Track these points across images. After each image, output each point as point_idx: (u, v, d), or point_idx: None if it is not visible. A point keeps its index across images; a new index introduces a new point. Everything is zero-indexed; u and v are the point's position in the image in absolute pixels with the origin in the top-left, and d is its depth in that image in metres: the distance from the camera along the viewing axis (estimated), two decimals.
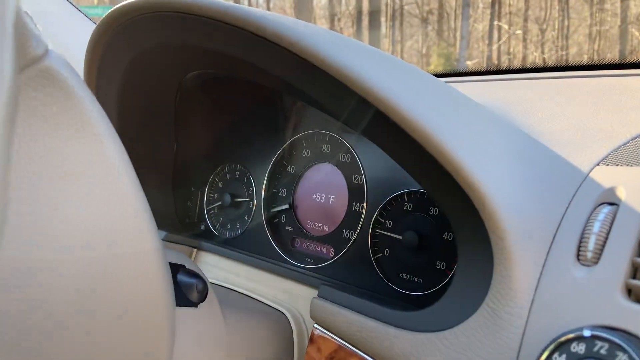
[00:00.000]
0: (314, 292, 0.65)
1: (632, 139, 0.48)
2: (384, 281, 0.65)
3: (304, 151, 0.79)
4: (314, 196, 0.77)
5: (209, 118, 0.84)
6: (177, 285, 0.52)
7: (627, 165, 0.43)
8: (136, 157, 0.80)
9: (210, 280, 0.74)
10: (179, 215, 0.91)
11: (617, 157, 0.45)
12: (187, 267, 0.55)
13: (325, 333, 0.53)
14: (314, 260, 0.74)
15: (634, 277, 0.37)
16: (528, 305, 0.38)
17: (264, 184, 0.82)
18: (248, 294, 0.69)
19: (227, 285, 0.73)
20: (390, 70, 0.48)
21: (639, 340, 0.34)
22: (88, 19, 1.24)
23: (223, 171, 0.90)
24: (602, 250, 0.38)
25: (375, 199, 0.69)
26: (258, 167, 0.84)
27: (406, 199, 0.66)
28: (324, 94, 0.47)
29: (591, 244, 0.39)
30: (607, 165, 0.44)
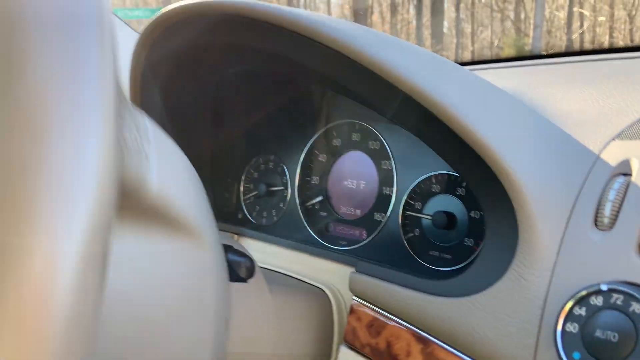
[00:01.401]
0: (349, 269, 0.70)
1: None
2: (415, 259, 0.70)
3: (334, 140, 0.84)
4: (346, 182, 0.82)
5: (244, 111, 0.89)
6: (228, 263, 0.58)
7: None
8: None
9: None
10: (217, 205, 0.97)
11: (631, 131, 0.49)
12: (234, 247, 0.60)
13: (365, 303, 0.58)
14: (347, 243, 0.79)
15: None
16: (551, 267, 0.43)
17: (298, 173, 0.87)
18: (288, 274, 0.74)
19: (268, 266, 0.78)
20: (428, 66, 0.52)
21: None
22: (122, 21, 1.31)
23: (257, 162, 0.96)
24: (617, 216, 0.42)
25: (404, 183, 0.73)
26: (291, 157, 0.89)
27: (434, 181, 0.70)
28: (371, 91, 0.52)
29: (607, 210, 0.43)
30: (622, 139, 0.48)
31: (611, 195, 0.43)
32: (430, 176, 0.70)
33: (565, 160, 0.48)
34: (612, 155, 0.47)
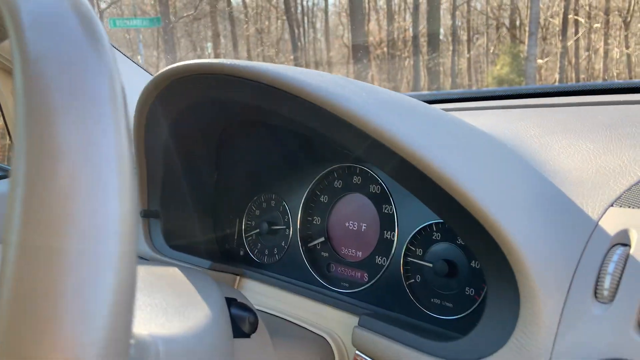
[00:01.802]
0: (352, 318, 0.71)
1: None
2: (417, 305, 0.71)
3: (335, 182, 0.85)
4: (347, 224, 0.83)
5: (247, 152, 0.90)
6: (231, 317, 0.58)
7: (638, 207, 0.48)
8: (180, 190, 0.87)
9: (255, 306, 0.81)
10: (218, 242, 0.98)
11: (629, 197, 0.50)
12: (238, 300, 0.61)
13: (367, 359, 0.59)
14: (349, 285, 0.80)
15: None
16: (552, 340, 0.43)
17: (299, 213, 0.88)
18: (291, 320, 0.75)
19: (270, 311, 0.79)
20: (421, 124, 0.53)
21: None
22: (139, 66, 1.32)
23: (259, 200, 0.97)
24: (617, 289, 0.43)
25: (406, 228, 0.74)
26: (293, 196, 0.90)
27: (435, 229, 0.71)
28: (361, 148, 0.53)
29: (607, 283, 0.43)
30: (620, 206, 0.49)
31: (611, 267, 0.44)
32: (431, 223, 0.71)
33: (565, 227, 0.49)
34: (611, 224, 0.47)
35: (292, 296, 0.79)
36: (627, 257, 0.44)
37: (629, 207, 0.49)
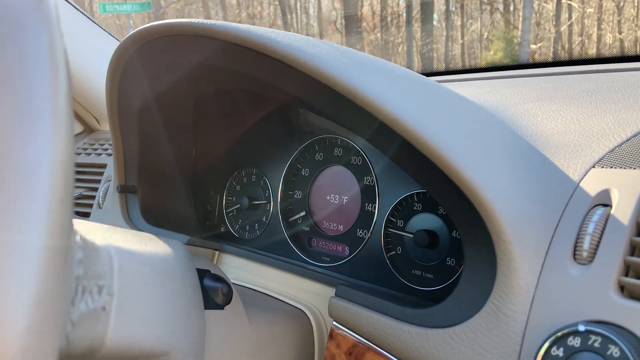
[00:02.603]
0: (331, 290, 0.69)
1: (627, 140, 0.51)
2: (397, 277, 0.69)
3: (316, 154, 0.83)
4: (328, 197, 0.81)
5: (225, 125, 0.87)
6: (204, 289, 0.56)
7: (621, 167, 0.46)
8: (158, 165, 0.85)
9: (233, 281, 0.79)
10: (199, 218, 0.96)
11: (611, 158, 0.48)
12: (212, 272, 0.59)
13: (344, 330, 0.57)
14: (330, 259, 0.78)
15: (626, 274, 0.40)
16: (529, 302, 0.42)
17: (280, 187, 0.86)
18: (269, 294, 0.73)
19: (249, 285, 0.77)
20: (397, 85, 0.51)
21: (630, 334, 0.37)
22: (102, 29, 1.29)
23: (240, 175, 0.94)
24: (596, 249, 0.41)
25: (387, 199, 0.72)
26: (274, 170, 0.88)
27: (416, 199, 0.69)
28: (340, 112, 0.51)
29: (586, 243, 0.42)
30: (602, 167, 0.47)
31: (590, 228, 0.42)
32: (412, 194, 0.69)
33: (545, 189, 0.47)
34: (592, 185, 0.46)
35: (272, 270, 0.77)
36: (607, 217, 0.42)
37: (611, 167, 0.47)
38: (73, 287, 0.29)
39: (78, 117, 1.21)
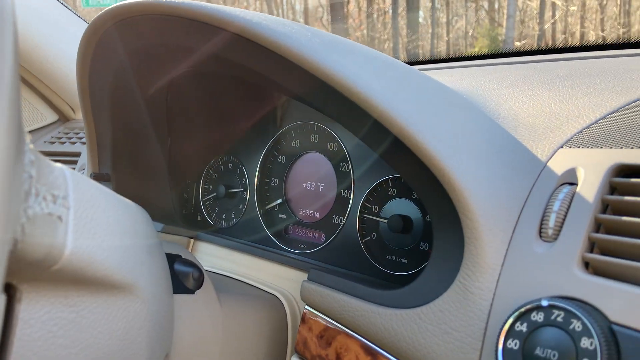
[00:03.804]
0: (306, 276, 0.69)
1: (596, 121, 0.51)
2: (372, 263, 0.69)
3: (293, 141, 0.82)
4: (305, 184, 0.80)
5: (200, 112, 0.86)
6: (174, 274, 0.56)
7: (588, 147, 0.46)
8: (132, 153, 0.84)
9: (208, 268, 0.78)
10: (175, 208, 0.94)
11: (579, 139, 0.48)
12: (183, 257, 0.58)
13: (316, 313, 0.57)
14: (306, 246, 0.78)
15: (591, 251, 0.40)
16: (495, 280, 0.42)
17: (257, 175, 0.85)
18: (243, 280, 0.72)
19: (224, 272, 0.76)
20: (368, 66, 0.51)
21: (593, 308, 0.37)
22: (78, 16, 1.27)
23: (217, 163, 0.93)
24: (561, 227, 0.41)
25: (362, 185, 0.72)
26: (250, 158, 0.87)
27: (390, 185, 0.69)
28: (309, 91, 0.50)
29: (551, 221, 0.42)
30: (570, 147, 0.47)
31: (556, 205, 0.42)
32: (387, 179, 0.69)
33: (513, 168, 0.47)
34: (559, 164, 0.46)
35: (247, 257, 0.77)
36: (573, 195, 0.43)
37: (579, 147, 0.47)
38: (27, 184, 0.28)
39: (53, 105, 1.19)
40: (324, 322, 0.55)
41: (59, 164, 0.34)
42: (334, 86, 0.46)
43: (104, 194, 0.38)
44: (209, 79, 0.78)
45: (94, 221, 0.35)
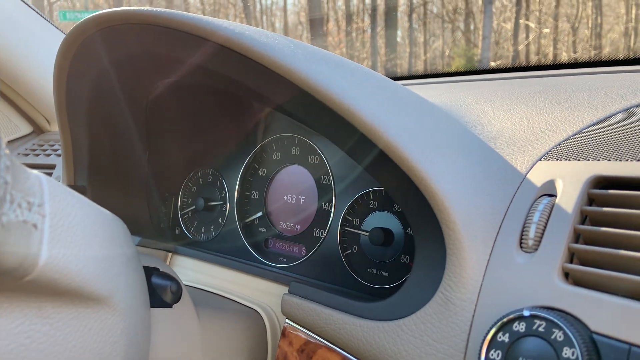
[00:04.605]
0: (286, 290, 0.68)
1: (573, 135, 0.52)
2: (353, 276, 0.68)
3: (274, 154, 0.82)
4: (286, 197, 0.80)
5: (179, 124, 0.86)
6: (151, 287, 0.54)
7: (566, 159, 0.47)
8: (109, 165, 0.83)
9: (186, 282, 0.77)
10: (153, 221, 0.93)
11: (557, 151, 0.49)
12: (160, 270, 0.57)
13: (296, 327, 0.56)
14: (286, 260, 0.77)
15: (570, 261, 0.41)
16: (477, 291, 0.42)
17: (237, 188, 0.85)
18: (223, 294, 0.71)
19: (202, 287, 0.75)
20: (353, 79, 0.51)
21: (574, 318, 0.37)
22: (54, 27, 1.25)
23: (196, 176, 0.92)
24: (541, 237, 0.42)
25: (343, 198, 0.72)
26: (230, 171, 0.87)
27: (372, 197, 0.69)
28: (294, 103, 0.50)
29: (531, 232, 0.42)
30: (548, 160, 0.48)
31: (536, 216, 0.43)
32: (368, 192, 0.69)
33: (493, 181, 0.47)
34: (539, 176, 0.46)
35: (226, 271, 0.76)
36: (552, 207, 0.43)
37: (557, 160, 0.48)
38: (1, 190, 0.27)
39: (27, 117, 1.16)
40: (305, 336, 0.55)
41: (35, 171, 0.33)
42: (321, 99, 0.46)
43: (80, 202, 0.37)
44: (189, 91, 0.78)
45: (70, 230, 0.34)
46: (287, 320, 0.57)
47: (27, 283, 0.31)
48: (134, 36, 0.55)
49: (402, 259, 0.65)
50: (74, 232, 0.34)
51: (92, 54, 0.61)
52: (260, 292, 0.71)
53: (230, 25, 0.50)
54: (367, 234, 0.67)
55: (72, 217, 0.34)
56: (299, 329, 0.55)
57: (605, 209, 0.41)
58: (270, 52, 0.48)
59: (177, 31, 0.50)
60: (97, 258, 0.37)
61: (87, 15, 0.59)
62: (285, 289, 0.70)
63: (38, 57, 1.12)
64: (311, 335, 0.54)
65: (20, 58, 1.10)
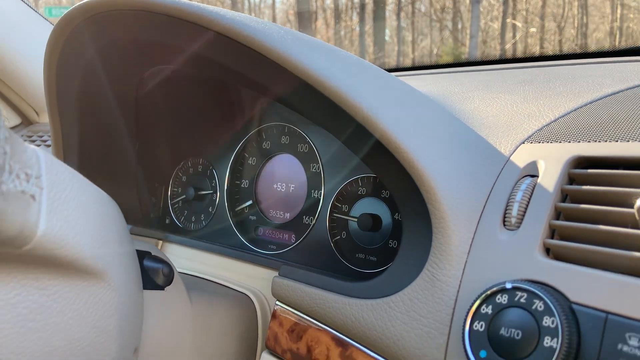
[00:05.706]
0: (276, 274, 0.69)
1: (555, 120, 0.54)
2: (342, 261, 0.70)
3: (263, 143, 0.83)
4: (275, 186, 0.81)
5: (169, 114, 0.86)
6: (144, 270, 0.55)
7: (548, 142, 0.49)
8: (99, 155, 0.83)
9: (178, 270, 0.77)
10: (143, 211, 0.93)
11: (540, 135, 0.51)
12: (153, 254, 0.58)
13: (286, 309, 0.57)
14: (276, 247, 0.78)
15: (551, 237, 0.42)
16: (462, 267, 0.43)
17: (227, 177, 0.85)
18: (213, 280, 0.72)
19: (193, 273, 0.76)
20: (350, 69, 0.52)
21: (553, 289, 0.39)
22: (42, 17, 1.24)
23: (186, 165, 0.93)
24: (523, 215, 0.43)
25: (332, 186, 0.73)
26: (220, 160, 0.87)
27: (360, 184, 0.70)
28: (292, 93, 0.51)
29: (514, 210, 0.44)
30: (531, 143, 0.50)
31: (518, 196, 0.44)
32: (356, 178, 0.71)
33: (478, 163, 0.49)
34: (521, 158, 0.48)
35: (216, 257, 0.76)
36: (534, 186, 0.45)
37: (539, 142, 0.49)
38: (1, 159, 0.28)
39: (15, 108, 1.16)
40: (295, 317, 0.56)
41: (32, 145, 0.34)
42: (320, 89, 0.47)
43: (77, 178, 0.38)
44: (178, 81, 0.78)
45: (67, 203, 0.35)
46: (277, 302, 0.58)
47: (25, 253, 0.32)
48: (124, 23, 0.56)
49: (390, 244, 0.66)
50: (70, 205, 0.35)
51: (82, 42, 0.62)
52: (250, 278, 0.72)
53: (227, 13, 0.51)
54: (356, 219, 0.68)
55: (68, 191, 0.35)
56: (289, 310, 0.56)
57: (585, 187, 0.42)
58: (270, 42, 0.48)
59: (170, 17, 0.51)
60: (93, 232, 0.38)
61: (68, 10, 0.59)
62: (275, 274, 0.71)
63: (26, 49, 1.12)
64: (301, 316, 0.55)
65: (8, 49, 1.10)
